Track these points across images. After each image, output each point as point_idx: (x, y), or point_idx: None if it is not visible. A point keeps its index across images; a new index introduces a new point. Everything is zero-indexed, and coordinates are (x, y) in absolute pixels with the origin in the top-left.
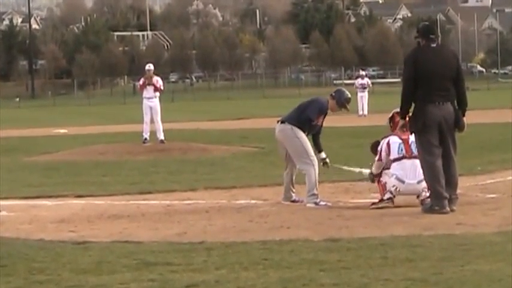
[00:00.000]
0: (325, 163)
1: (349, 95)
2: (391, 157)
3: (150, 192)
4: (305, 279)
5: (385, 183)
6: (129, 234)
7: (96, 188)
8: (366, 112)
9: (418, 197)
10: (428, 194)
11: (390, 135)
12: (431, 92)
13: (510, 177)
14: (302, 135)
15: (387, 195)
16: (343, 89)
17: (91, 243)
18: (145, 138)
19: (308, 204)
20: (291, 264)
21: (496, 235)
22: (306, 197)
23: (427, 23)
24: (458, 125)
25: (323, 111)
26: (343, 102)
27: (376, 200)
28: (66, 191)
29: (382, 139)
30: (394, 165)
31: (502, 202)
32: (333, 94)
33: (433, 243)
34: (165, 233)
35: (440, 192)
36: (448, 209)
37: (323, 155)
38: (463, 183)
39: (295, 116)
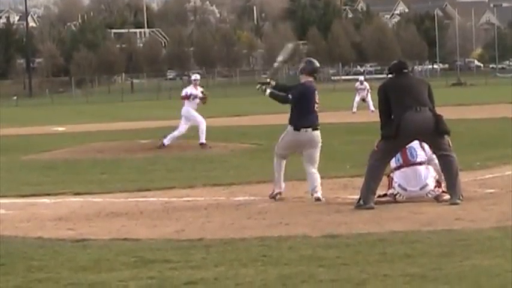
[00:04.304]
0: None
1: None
2: (391, 166)
3: (148, 190)
4: (304, 275)
5: (393, 178)
6: (127, 232)
7: (94, 185)
8: (372, 108)
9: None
10: (438, 192)
11: None
12: (407, 100)
13: (508, 172)
14: None
15: (391, 191)
16: (308, 60)
17: (90, 241)
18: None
19: (315, 195)
20: (290, 260)
21: (495, 230)
22: (312, 189)
23: (397, 61)
24: (438, 130)
25: (311, 91)
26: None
27: (381, 193)
28: (65, 189)
29: None
30: (396, 173)
31: (500, 197)
32: (307, 75)
33: (432, 238)
34: (164, 231)
35: (372, 189)
36: (372, 205)
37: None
38: (462, 179)
39: (313, 117)
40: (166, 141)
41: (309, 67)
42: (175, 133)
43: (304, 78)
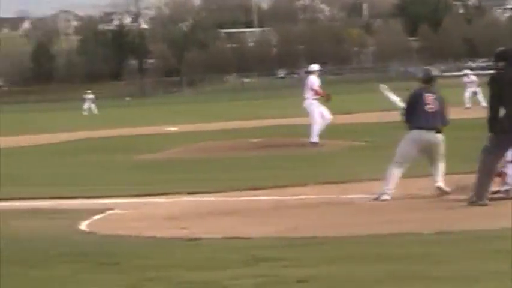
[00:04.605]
0: None
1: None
2: (507, 159)
3: (260, 188)
4: (415, 272)
5: (506, 174)
6: (240, 230)
7: (206, 184)
8: (484, 103)
9: None
10: None
11: None
12: None
13: None
14: None
15: (505, 187)
16: (423, 69)
17: (202, 240)
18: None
19: (437, 184)
20: (401, 257)
21: None
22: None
23: (508, 48)
24: None
25: (417, 94)
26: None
27: (495, 189)
28: (177, 188)
29: None
30: (511, 166)
31: None
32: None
33: None
34: (276, 229)
35: (485, 186)
36: (486, 201)
37: None
38: None
39: (430, 118)
40: (314, 139)
41: (422, 75)
42: (316, 127)
43: (418, 85)
